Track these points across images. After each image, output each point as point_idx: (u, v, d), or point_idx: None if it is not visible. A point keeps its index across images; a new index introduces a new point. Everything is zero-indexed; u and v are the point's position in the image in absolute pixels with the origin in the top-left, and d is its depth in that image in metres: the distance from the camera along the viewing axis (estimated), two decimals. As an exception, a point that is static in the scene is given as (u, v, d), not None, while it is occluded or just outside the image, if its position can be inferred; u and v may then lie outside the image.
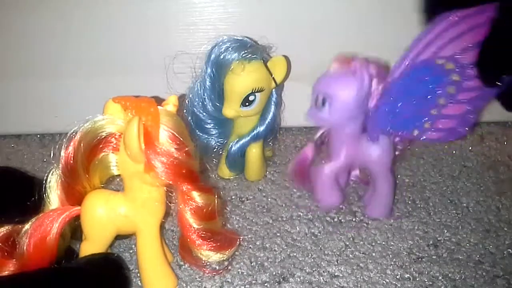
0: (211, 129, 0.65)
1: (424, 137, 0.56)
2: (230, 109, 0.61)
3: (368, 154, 0.57)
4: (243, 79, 0.59)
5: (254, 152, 0.66)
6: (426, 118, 0.55)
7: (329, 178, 0.58)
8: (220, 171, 0.69)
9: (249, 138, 0.65)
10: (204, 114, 0.63)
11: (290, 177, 0.65)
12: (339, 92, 0.54)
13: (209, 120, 0.64)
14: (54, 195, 0.49)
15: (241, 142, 0.65)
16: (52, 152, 0.49)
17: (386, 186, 0.59)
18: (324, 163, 0.59)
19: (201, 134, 0.65)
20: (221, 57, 0.59)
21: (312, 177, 0.60)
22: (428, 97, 0.54)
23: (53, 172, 0.48)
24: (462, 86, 0.54)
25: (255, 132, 0.65)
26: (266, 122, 0.65)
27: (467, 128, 0.56)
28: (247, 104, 0.61)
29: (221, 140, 0.66)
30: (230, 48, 0.59)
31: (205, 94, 0.62)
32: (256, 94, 0.61)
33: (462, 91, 0.54)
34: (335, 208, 0.61)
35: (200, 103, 0.63)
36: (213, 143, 0.66)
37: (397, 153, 0.62)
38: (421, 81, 0.54)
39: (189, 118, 0.63)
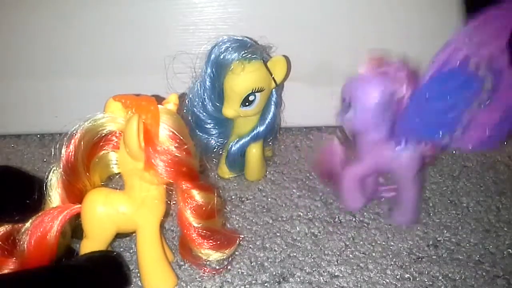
0: (211, 129, 0.65)
1: (455, 144, 0.54)
2: (230, 109, 0.61)
3: (395, 160, 0.56)
4: (243, 79, 0.59)
5: (254, 152, 0.66)
6: (457, 125, 0.52)
7: (353, 181, 0.58)
8: (220, 170, 0.69)
9: (249, 138, 0.65)
10: (204, 114, 0.63)
11: (315, 172, 0.64)
12: (362, 96, 0.54)
13: (209, 120, 0.64)
14: (55, 193, 0.49)
15: (241, 142, 0.65)
16: (52, 152, 0.49)
17: (411, 193, 0.58)
18: (351, 164, 0.58)
19: (201, 134, 0.65)
20: (221, 57, 0.59)
21: (338, 176, 0.60)
22: (459, 103, 0.52)
23: (54, 170, 0.48)
24: (497, 92, 0.51)
25: (255, 132, 0.65)
26: (266, 122, 0.65)
27: (501, 138, 0.53)
28: (247, 104, 0.61)
29: (221, 140, 0.66)
30: (230, 48, 0.59)
31: (205, 94, 0.62)
32: (256, 94, 0.61)
33: (496, 98, 0.52)
34: (357, 210, 0.61)
35: (200, 103, 0.63)
36: (213, 143, 0.66)
37: (426, 160, 0.60)
38: (452, 86, 0.51)
39: (189, 118, 0.63)
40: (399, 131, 0.55)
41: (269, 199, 0.64)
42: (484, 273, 0.53)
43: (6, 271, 0.48)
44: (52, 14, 0.69)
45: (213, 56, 0.59)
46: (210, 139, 0.66)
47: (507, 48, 0.50)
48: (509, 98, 0.52)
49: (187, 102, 0.63)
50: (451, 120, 0.52)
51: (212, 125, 0.65)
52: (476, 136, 0.53)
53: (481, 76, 0.51)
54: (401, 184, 0.58)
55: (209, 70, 0.60)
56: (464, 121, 0.52)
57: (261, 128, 0.65)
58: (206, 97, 0.62)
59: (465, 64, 0.50)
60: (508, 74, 0.51)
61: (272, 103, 0.65)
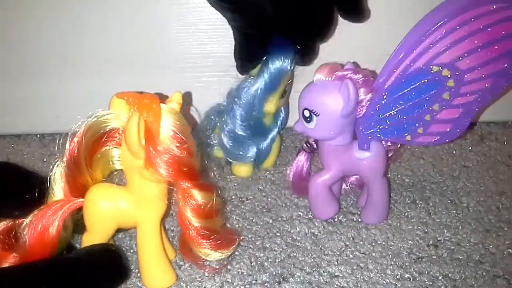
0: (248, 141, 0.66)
1: (417, 142, 0.56)
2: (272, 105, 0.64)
3: (360, 162, 0.56)
4: None
5: (277, 139, 0.68)
6: (419, 124, 0.54)
7: (321, 190, 0.57)
8: (237, 170, 0.68)
9: (277, 129, 0.67)
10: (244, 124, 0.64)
11: (290, 190, 0.64)
12: (325, 107, 0.52)
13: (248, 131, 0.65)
14: (58, 186, 0.49)
15: (270, 137, 0.67)
16: (52, 152, 0.49)
17: (380, 193, 0.58)
18: (316, 174, 0.58)
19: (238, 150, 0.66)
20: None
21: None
22: (422, 104, 0.53)
23: (58, 164, 0.49)
24: (458, 91, 0.53)
25: (280, 119, 0.67)
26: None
27: (461, 131, 0.55)
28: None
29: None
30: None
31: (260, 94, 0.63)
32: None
33: (457, 96, 0.53)
34: (331, 218, 0.60)
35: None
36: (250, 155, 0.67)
37: (390, 154, 0.61)
38: (415, 88, 0.53)
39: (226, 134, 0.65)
40: (362, 134, 0.55)
41: (269, 199, 0.64)
42: (484, 273, 0.53)
43: (6, 265, 0.49)
44: (52, 14, 0.69)
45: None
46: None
47: (475, 50, 0.51)
48: (469, 95, 0.53)
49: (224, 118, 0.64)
50: (414, 120, 0.54)
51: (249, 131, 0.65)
52: (436, 132, 0.55)
53: (444, 77, 0.52)
54: (370, 184, 0.58)
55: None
56: (426, 120, 0.54)
57: (283, 114, 0.67)
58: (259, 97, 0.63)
59: (428, 66, 0.52)
60: (469, 74, 0.52)
61: None
